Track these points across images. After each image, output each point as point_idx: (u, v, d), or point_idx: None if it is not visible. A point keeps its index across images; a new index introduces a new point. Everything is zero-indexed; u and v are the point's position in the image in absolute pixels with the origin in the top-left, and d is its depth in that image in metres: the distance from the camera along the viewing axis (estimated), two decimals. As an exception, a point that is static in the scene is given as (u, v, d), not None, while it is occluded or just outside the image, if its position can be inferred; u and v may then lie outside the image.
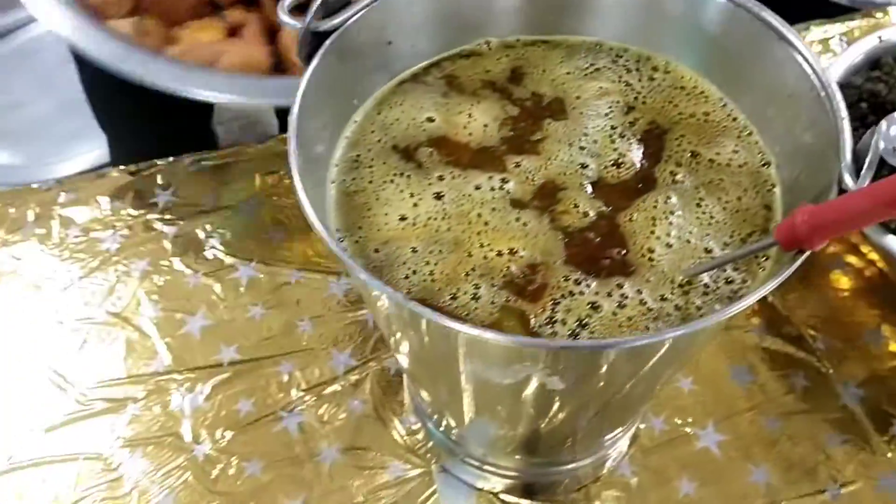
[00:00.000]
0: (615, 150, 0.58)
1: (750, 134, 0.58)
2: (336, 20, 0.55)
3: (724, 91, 0.60)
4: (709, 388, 0.77)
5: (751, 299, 0.44)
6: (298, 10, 0.54)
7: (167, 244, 0.85)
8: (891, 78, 0.83)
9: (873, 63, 0.86)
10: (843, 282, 0.84)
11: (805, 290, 0.83)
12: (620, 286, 0.51)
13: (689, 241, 0.53)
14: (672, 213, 0.54)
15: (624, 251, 0.52)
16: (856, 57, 0.85)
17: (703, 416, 0.76)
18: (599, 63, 0.63)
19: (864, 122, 0.81)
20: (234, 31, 0.99)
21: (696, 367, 0.78)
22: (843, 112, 0.49)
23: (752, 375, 0.78)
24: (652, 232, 0.53)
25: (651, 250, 0.52)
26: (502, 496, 0.70)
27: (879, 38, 0.86)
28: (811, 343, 0.79)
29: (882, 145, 0.77)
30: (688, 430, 0.74)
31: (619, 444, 0.71)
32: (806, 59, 0.53)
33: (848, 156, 0.47)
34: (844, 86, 0.83)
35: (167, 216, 0.87)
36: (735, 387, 0.77)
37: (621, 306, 0.50)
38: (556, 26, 0.64)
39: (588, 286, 0.51)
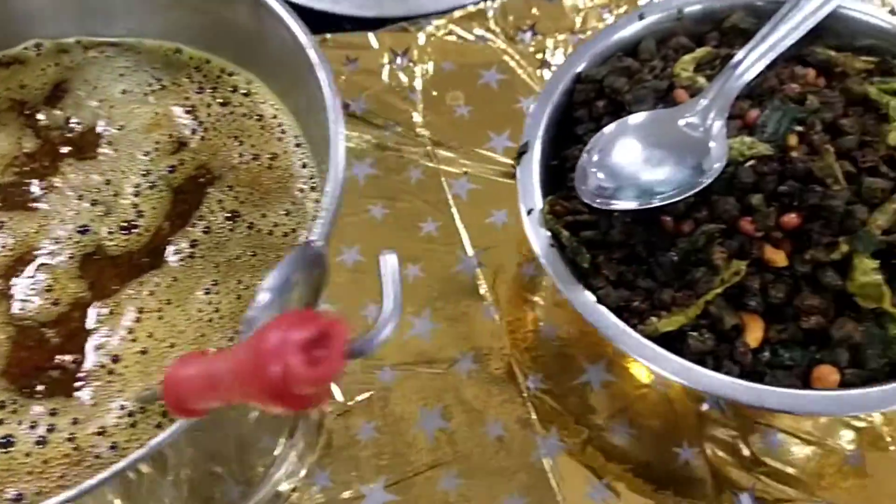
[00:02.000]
0: (134, 206, 0.45)
1: (314, 188, 0.45)
2: None
3: (303, 128, 0.47)
4: (391, 435, 0.66)
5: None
6: None
7: None
8: (644, 68, 0.68)
9: (631, 48, 0.71)
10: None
11: (555, 305, 0.71)
12: (54, 413, 0.39)
13: (172, 346, 0.41)
14: (169, 302, 0.42)
15: (81, 359, 0.41)
16: (607, 41, 0.70)
17: (374, 471, 0.65)
18: (169, 78, 0.49)
19: (598, 124, 0.67)
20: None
21: (384, 409, 0.67)
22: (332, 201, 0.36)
23: (444, 421, 0.66)
24: (130, 331, 0.41)
25: (116, 358, 0.40)
26: None
27: (641, 15, 0.71)
28: (522, 381, 0.68)
29: (578, 173, 0.64)
30: (352, 489, 0.64)
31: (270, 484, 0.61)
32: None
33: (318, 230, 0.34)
34: (583, 80, 0.68)
35: None
36: (421, 435, 0.66)
37: (42, 443, 0.38)
38: (126, 25, 0.50)
39: (14, 411, 0.39)
